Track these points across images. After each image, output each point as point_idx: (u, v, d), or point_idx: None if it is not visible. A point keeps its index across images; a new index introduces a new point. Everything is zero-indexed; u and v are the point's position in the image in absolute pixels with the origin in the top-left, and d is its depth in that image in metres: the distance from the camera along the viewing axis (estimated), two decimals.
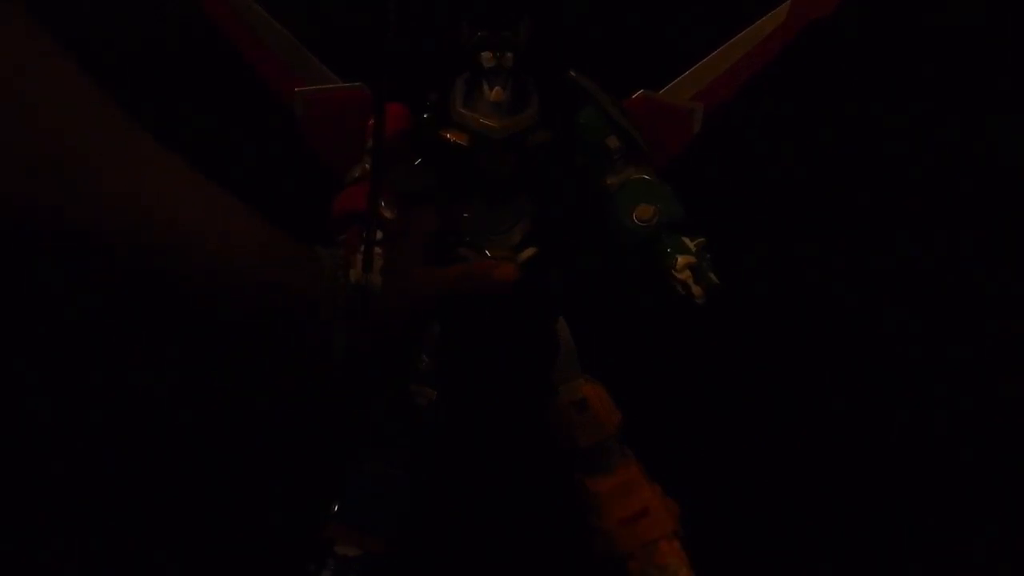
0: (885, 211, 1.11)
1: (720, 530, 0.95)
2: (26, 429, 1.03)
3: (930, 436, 1.08)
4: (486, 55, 0.82)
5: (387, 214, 0.80)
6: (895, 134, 1.10)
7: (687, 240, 0.80)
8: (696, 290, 0.78)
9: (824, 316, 1.10)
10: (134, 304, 0.71)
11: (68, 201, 0.61)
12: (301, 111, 0.84)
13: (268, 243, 0.73)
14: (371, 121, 0.82)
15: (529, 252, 0.86)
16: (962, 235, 1.12)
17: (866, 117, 1.10)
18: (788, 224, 1.10)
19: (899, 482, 1.05)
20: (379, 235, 0.72)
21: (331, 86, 0.86)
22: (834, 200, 1.11)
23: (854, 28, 1.04)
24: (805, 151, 1.10)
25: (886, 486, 1.05)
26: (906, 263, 1.12)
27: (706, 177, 0.99)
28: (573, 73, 0.84)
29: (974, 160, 1.10)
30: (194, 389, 1.01)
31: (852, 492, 1.04)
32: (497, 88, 0.82)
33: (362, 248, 0.72)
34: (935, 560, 1.00)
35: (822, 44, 0.88)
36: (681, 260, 0.79)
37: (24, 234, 0.63)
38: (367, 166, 0.83)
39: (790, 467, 1.06)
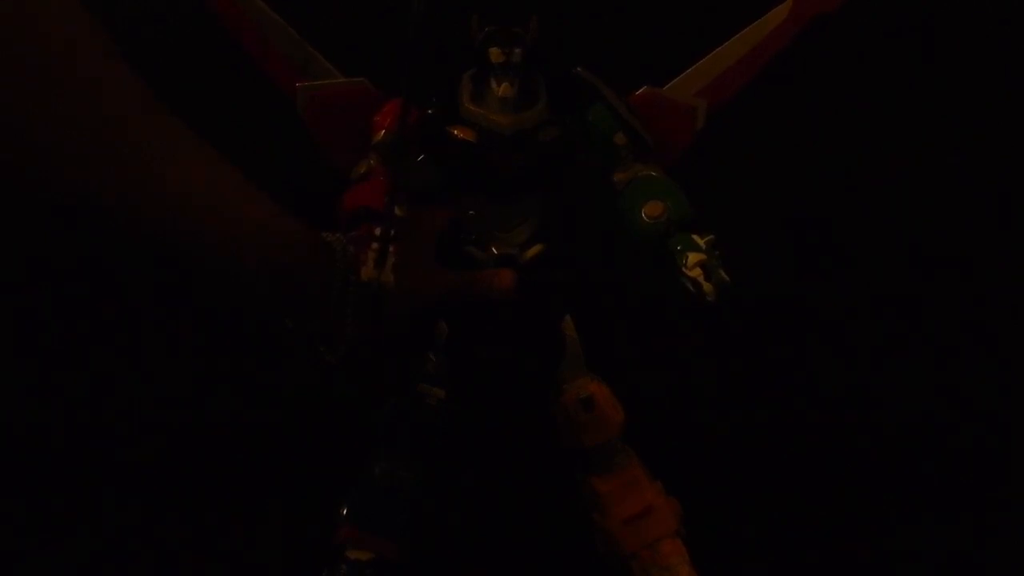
0: (891, 209, 1.18)
1: (721, 528, 1.01)
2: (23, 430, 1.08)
3: (925, 432, 1.15)
4: (495, 51, 0.87)
5: (397, 211, 0.82)
6: (900, 129, 1.17)
7: (697, 237, 0.86)
8: (707, 288, 0.82)
9: (827, 315, 1.17)
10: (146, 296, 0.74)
11: (89, 174, 0.65)
12: (303, 106, 0.90)
13: (288, 231, 0.78)
14: (376, 117, 0.89)
15: (536, 249, 0.91)
16: (973, 230, 1.19)
17: (871, 112, 1.17)
18: (792, 221, 1.16)
19: (898, 479, 1.12)
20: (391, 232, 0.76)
21: (333, 81, 0.91)
22: (839, 196, 1.17)
23: (859, 23, 1.10)
24: (809, 147, 1.16)
25: (885, 485, 1.12)
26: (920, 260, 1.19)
27: (710, 174, 1.02)
28: (580, 70, 0.90)
29: (983, 156, 1.18)
30: (203, 390, 1.08)
31: (852, 490, 1.10)
32: (505, 84, 0.87)
33: (374, 245, 0.76)
34: (931, 558, 1.06)
35: (826, 40, 0.94)
36: (692, 257, 0.84)
37: (61, 204, 0.66)
38: (372, 162, 0.88)
39: (790, 465, 1.12)
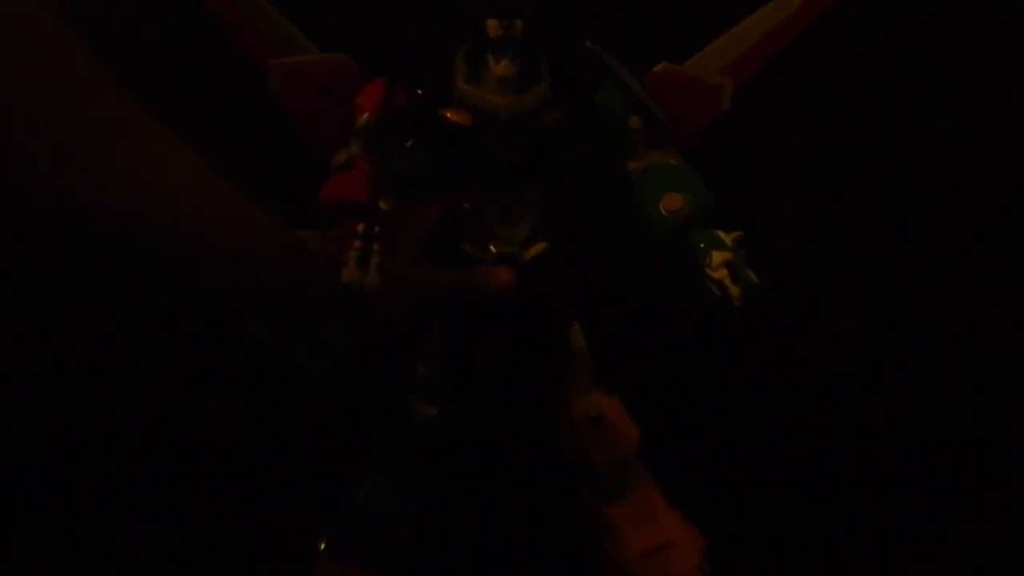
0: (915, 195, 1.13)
1: (748, 563, 0.95)
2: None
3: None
4: (492, 23, 0.79)
5: (383, 205, 0.79)
6: (927, 112, 1.12)
7: (722, 234, 0.80)
8: (734, 291, 0.77)
9: (861, 323, 1.11)
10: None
11: (67, 174, 0.61)
12: (277, 86, 0.82)
13: (259, 227, 0.71)
14: (358, 98, 0.81)
15: (538, 248, 0.84)
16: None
17: (900, 96, 1.12)
18: (824, 212, 1.11)
19: (936, 504, 1.06)
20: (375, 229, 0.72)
21: (310, 57, 0.84)
22: (866, 180, 1.12)
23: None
24: (837, 131, 1.11)
25: (919, 505, 1.05)
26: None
27: (735, 162, 0.98)
28: (589, 44, 0.82)
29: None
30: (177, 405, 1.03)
31: (890, 517, 1.04)
32: (504, 61, 0.79)
33: (356, 243, 0.72)
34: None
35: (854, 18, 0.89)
36: (716, 256, 0.78)
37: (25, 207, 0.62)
38: (354, 149, 0.81)
39: (825, 491, 1.05)
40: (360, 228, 0.74)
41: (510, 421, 0.92)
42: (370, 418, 0.89)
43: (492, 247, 0.84)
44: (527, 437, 0.93)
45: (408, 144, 0.84)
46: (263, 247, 0.71)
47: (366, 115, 0.81)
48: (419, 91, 0.83)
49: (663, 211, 0.81)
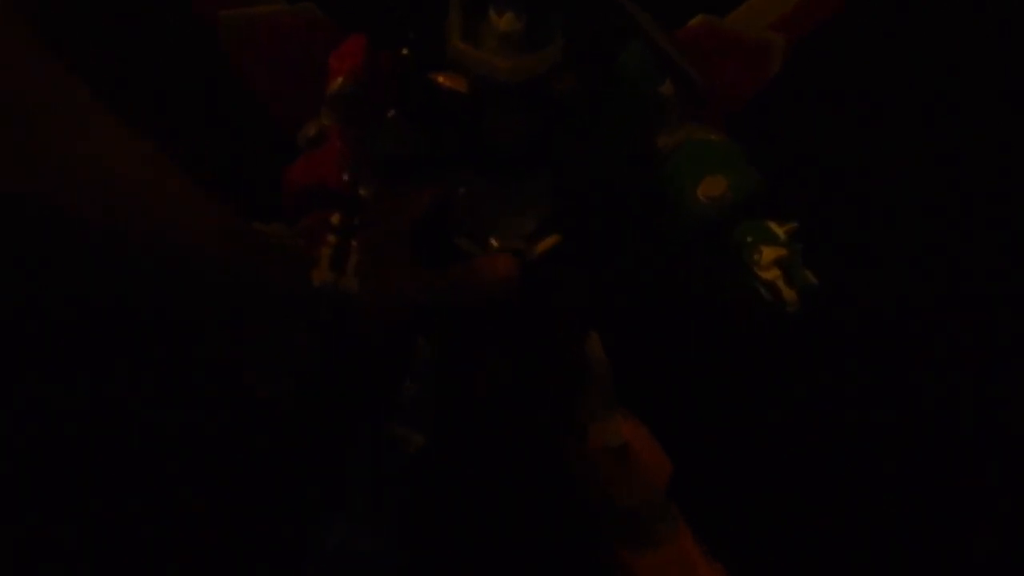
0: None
1: None
2: None
3: None
4: None
5: (361, 191, 0.69)
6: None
7: (774, 225, 0.69)
8: (788, 294, 0.67)
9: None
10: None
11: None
12: (229, 42, 0.73)
13: (209, 218, 0.62)
14: (331, 59, 0.72)
15: (549, 241, 0.73)
16: None
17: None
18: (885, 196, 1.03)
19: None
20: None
21: (270, 7, 0.74)
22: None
23: None
24: (905, 99, 1.04)
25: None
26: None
27: (788, 137, 0.89)
28: None
29: None
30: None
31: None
32: (509, 14, 0.67)
33: (330, 238, 0.64)
34: None
35: None
36: (767, 253, 0.68)
37: None
38: (326, 122, 0.71)
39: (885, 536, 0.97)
40: (334, 220, 0.65)
41: (513, 452, 0.82)
42: (343, 448, 0.79)
43: (493, 241, 0.73)
44: (534, 472, 0.83)
45: (390, 115, 0.73)
46: (204, 236, 0.61)
47: (340, 79, 0.71)
48: (404, 51, 0.71)
49: (701, 197, 0.70)
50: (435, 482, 0.79)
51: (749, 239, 0.69)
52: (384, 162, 0.72)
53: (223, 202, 0.63)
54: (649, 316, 0.88)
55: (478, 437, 0.80)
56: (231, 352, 0.66)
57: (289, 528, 0.83)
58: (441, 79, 0.70)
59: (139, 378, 1.00)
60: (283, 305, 0.64)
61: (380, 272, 0.66)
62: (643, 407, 0.80)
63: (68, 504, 0.98)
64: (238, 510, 0.93)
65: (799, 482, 0.97)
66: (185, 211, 0.61)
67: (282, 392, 0.66)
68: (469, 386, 0.77)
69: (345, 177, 0.66)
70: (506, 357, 0.76)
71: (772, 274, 0.67)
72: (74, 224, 0.57)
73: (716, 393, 0.96)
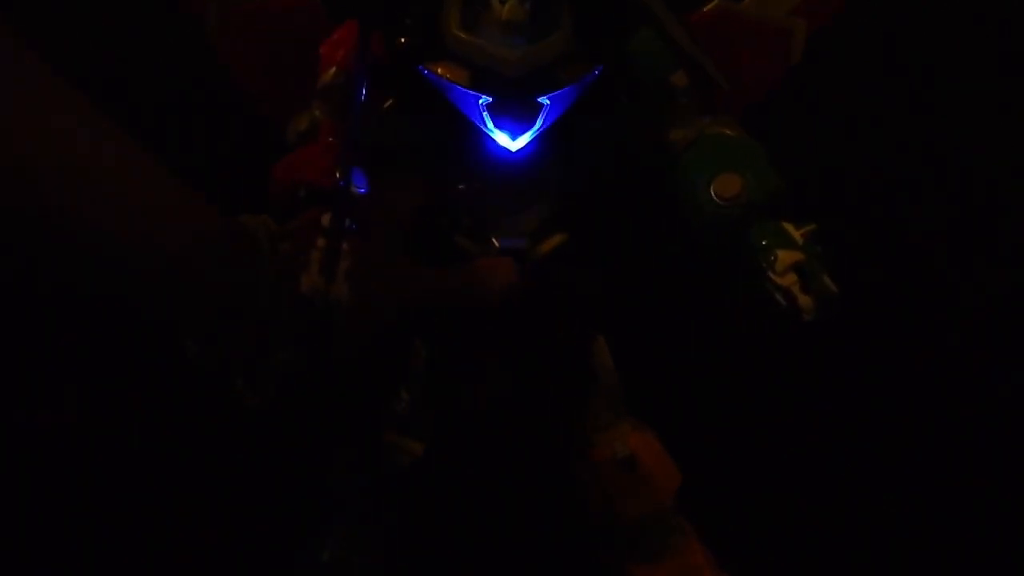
0: None
1: None
2: None
3: None
4: None
5: (354, 190, 0.65)
6: None
7: (791, 227, 0.65)
8: (804, 301, 0.63)
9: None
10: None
11: None
12: (215, 30, 0.70)
13: (192, 215, 0.60)
14: (323, 47, 0.69)
15: (555, 240, 0.70)
16: None
17: None
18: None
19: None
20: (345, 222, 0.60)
21: None
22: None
23: None
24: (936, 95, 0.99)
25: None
26: None
27: (808, 133, 0.85)
28: None
29: None
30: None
31: None
32: (512, 1, 0.64)
33: (320, 241, 0.60)
34: None
35: None
36: (783, 257, 0.64)
37: None
38: (318, 114, 0.68)
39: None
40: (325, 221, 0.61)
41: (515, 463, 0.79)
42: (332, 459, 0.75)
43: (495, 240, 0.70)
44: (536, 483, 0.80)
45: (386, 106, 0.69)
46: (185, 232, 0.59)
47: (332, 70, 0.69)
48: (401, 39, 0.68)
49: (714, 197, 0.66)
50: (432, 493, 0.76)
51: (764, 242, 0.65)
52: (379, 156, 0.67)
53: (205, 200, 0.59)
54: (658, 320, 0.85)
55: (477, 447, 0.77)
56: (213, 357, 0.63)
57: (278, 542, 0.80)
58: (440, 70, 0.67)
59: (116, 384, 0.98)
60: (269, 312, 0.61)
61: (372, 272, 0.62)
62: (652, 414, 0.77)
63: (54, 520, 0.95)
64: (225, 523, 0.90)
65: (814, 493, 0.94)
66: (156, 204, 0.59)
67: (268, 399, 0.62)
68: (467, 394, 0.74)
69: (337, 174, 0.61)
70: (507, 363, 0.73)
71: (788, 280, 0.64)
72: (34, 210, 0.55)
73: (727, 400, 0.92)
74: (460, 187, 0.70)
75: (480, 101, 0.66)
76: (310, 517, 0.78)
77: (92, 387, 0.97)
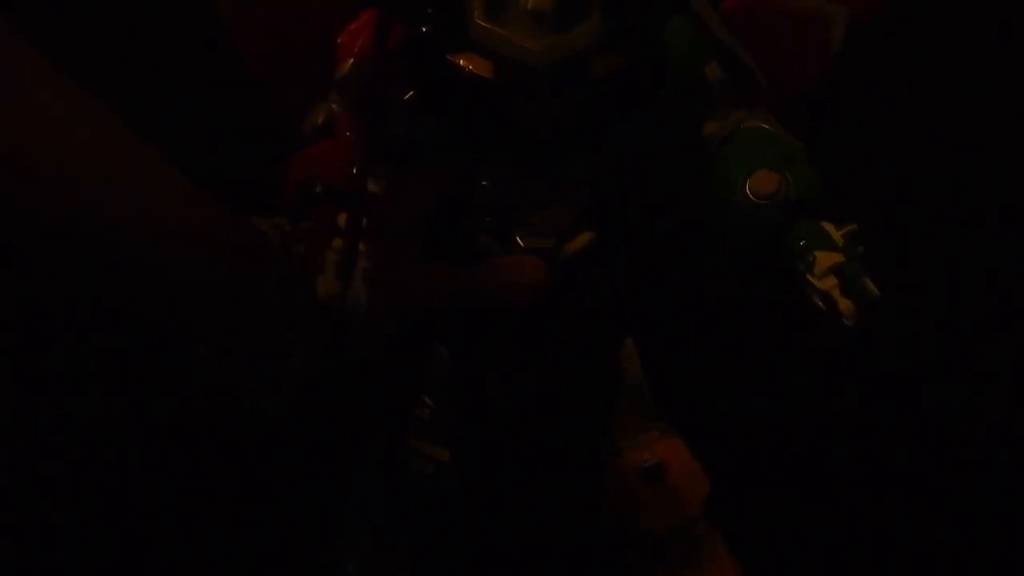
0: None
1: None
2: None
3: None
4: None
5: (372, 186, 0.63)
6: None
7: (831, 228, 0.63)
8: (844, 305, 0.60)
9: None
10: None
11: None
12: (230, 15, 0.67)
13: (201, 215, 0.59)
14: (341, 37, 0.67)
15: (583, 239, 0.67)
16: None
17: None
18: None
19: None
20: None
21: None
22: None
23: None
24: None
25: None
26: None
27: (851, 128, 0.82)
28: None
29: None
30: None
31: None
32: None
33: (336, 242, 0.58)
34: None
35: None
36: (823, 259, 0.61)
37: None
38: (335, 107, 0.66)
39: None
40: (341, 221, 0.59)
41: (538, 472, 0.75)
42: (353, 466, 0.73)
43: (520, 240, 0.67)
44: (560, 493, 0.77)
45: (407, 97, 0.68)
46: (191, 231, 0.58)
47: (351, 61, 0.67)
48: (423, 29, 0.66)
49: (750, 195, 0.63)
50: (457, 501, 0.73)
51: (802, 243, 0.62)
52: (398, 150, 0.66)
53: (215, 201, 0.59)
54: (692, 323, 0.83)
55: (500, 455, 0.74)
56: (225, 363, 0.61)
57: (299, 551, 0.79)
58: (463, 62, 0.65)
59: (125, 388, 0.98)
60: (280, 315, 0.59)
61: (390, 272, 0.61)
62: (682, 421, 0.74)
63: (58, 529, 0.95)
64: (244, 530, 0.89)
65: (846, 503, 0.91)
66: (158, 196, 0.57)
67: (283, 404, 0.61)
68: (491, 398, 0.71)
69: (354, 170, 0.59)
70: (531, 368, 0.70)
71: (827, 283, 0.61)
72: (31, 200, 0.54)
73: (756, 405, 0.90)
74: (484, 184, 0.68)
75: (505, 93, 0.65)
76: (332, 525, 0.75)
77: (114, 388, 0.96)
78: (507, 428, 0.72)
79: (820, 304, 0.61)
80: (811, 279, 0.62)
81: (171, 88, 0.88)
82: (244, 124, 0.74)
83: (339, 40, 0.67)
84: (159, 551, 0.91)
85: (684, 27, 0.66)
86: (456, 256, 0.67)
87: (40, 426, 0.98)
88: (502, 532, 0.81)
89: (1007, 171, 1.00)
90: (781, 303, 0.65)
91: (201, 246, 0.58)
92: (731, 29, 0.67)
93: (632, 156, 0.69)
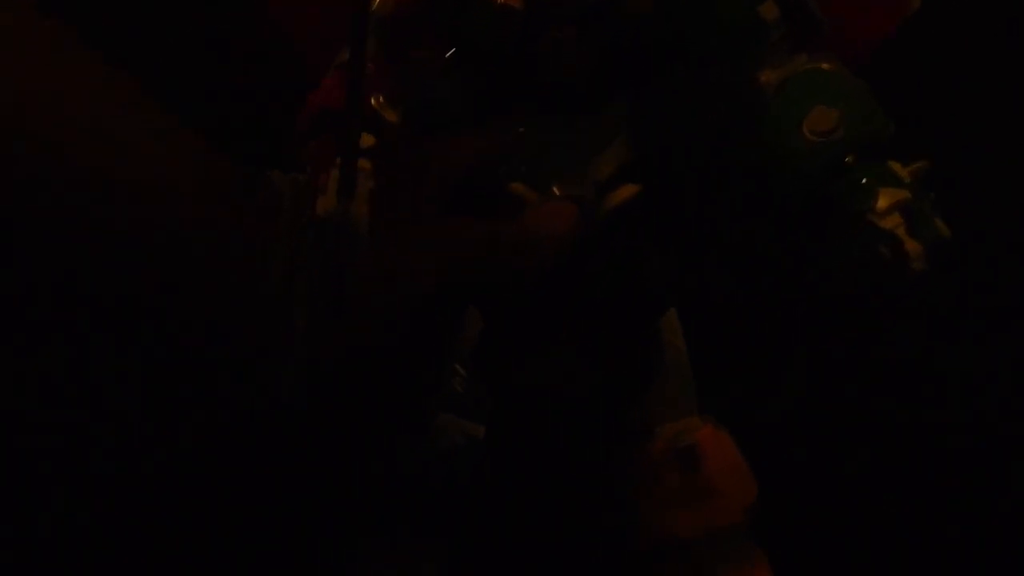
0: None
1: None
2: None
3: None
4: None
5: (387, 115, 0.61)
6: None
7: (897, 165, 0.57)
8: (912, 247, 0.54)
9: None
10: None
11: None
12: None
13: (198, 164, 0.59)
14: None
15: (625, 192, 0.60)
16: None
17: None
18: None
19: None
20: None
21: None
22: None
23: None
24: None
25: None
26: None
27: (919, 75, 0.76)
28: None
29: None
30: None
31: None
32: None
33: (337, 160, 0.55)
34: None
35: None
36: (886, 197, 0.56)
37: None
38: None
39: None
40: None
41: (576, 449, 0.68)
42: (376, 458, 0.66)
43: (556, 190, 0.60)
44: (588, 482, 0.69)
45: (449, 55, 0.63)
46: (204, 190, 0.58)
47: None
48: None
49: (807, 133, 0.58)
50: (488, 479, 0.68)
51: (863, 180, 0.57)
52: (427, 102, 0.62)
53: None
54: (744, 285, 0.75)
55: (536, 429, 0.67)
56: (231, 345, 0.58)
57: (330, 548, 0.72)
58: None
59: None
60: (289, 271, 0.56)
61: (412, 224, 0.57)
62: (730, 409, 0.66)
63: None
64: (254, 532, 0.83)
65: (854, 506, 0.83)
66: (142, 131, 0.57)
67: (299, 392, 0.57)
68: (525, 369, 0.63)
69: (373, 101, 0.58)
70: (567, 339, 0.63)
71: (892, 222, 0.55)
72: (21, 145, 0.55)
73: (820, 386, 0.81)
74: (520, 130, 0.62)
75: (537, 27, 0.61)
76: (358, 528, 0.70)
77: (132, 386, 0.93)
78: (542, 399, 0.64)
79: (884, 249, 0.55)
80: (874, 220, 0.56)
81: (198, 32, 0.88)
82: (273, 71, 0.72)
83: None
84: (167, 551, 0.86)
85: None
86: (486, 209, 0.60)
87: (40, 426, 0.95)
88: (533, 514, 0.74)
89: None
90: (839, 253, 0.58)
91: (213, 207, 0.57)
92: None
93: (677, 103, 0.61)
